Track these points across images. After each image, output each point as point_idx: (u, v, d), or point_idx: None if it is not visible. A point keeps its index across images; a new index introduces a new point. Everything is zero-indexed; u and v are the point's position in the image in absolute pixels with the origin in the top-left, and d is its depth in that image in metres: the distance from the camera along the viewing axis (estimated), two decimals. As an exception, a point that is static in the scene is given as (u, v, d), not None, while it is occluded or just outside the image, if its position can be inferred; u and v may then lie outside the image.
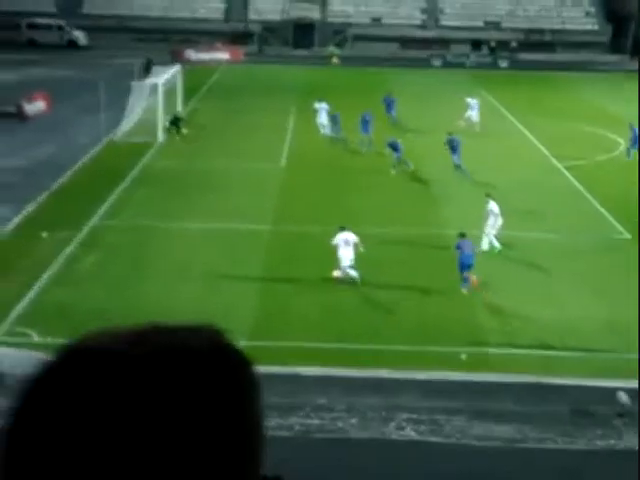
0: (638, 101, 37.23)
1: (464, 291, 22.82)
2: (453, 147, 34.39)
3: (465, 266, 22.96)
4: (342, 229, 23.65)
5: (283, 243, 26.44)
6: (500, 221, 26.03)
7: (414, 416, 17.73)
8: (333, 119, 39.57)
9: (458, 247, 23.24)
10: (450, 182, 33.07)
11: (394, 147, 34.32)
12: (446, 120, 41.73)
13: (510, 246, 26.39)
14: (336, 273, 23.26)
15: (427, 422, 17.57)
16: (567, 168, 35.54)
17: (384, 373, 19.00)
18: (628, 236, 27.13)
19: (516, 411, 17.79)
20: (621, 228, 27.91)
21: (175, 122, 40.34)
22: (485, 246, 25.69)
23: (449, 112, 44.61)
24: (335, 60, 71.23)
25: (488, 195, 26.89)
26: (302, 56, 73.49)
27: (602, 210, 29.88)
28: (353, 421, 17.51)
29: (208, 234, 26.97)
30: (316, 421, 17.44)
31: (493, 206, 26.16)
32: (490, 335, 20.75)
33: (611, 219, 28.87)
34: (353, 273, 23.15)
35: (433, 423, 17.57)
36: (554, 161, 36.84)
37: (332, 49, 72.64)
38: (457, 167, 34.07)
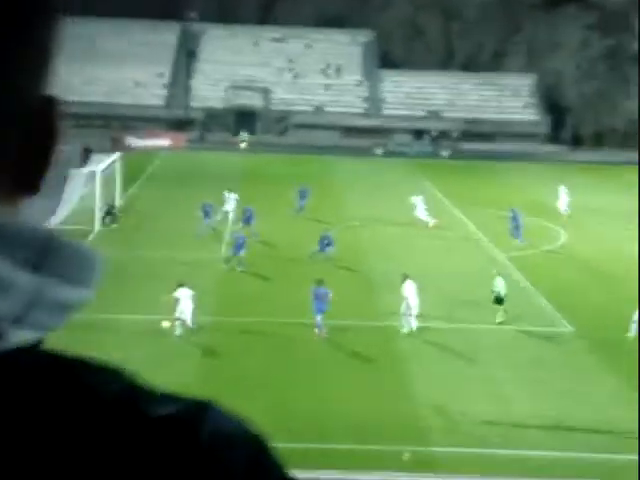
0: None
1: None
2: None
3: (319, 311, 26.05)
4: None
5: (223, 338, 25.73)
6: (416, 302, 26.36)
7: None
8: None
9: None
10: (386, 272, 32.85)
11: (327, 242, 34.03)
12: (387, 211, 41.76)
13: (448, 338, 26.10)
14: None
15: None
16: (510, 259, 35.60)
17: (324, 475, 18.24)
18: (571, 328, 27.00)
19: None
20: (564, 320, 27.79)
21: (109, 212, 40.24)
22: (405, 329, 26.24)
23: (390, 203, 44.77)
24: (243, 145, 71.68)
25: (406, 276, 27.11)
26: (247, 142, 73.78)
27: (544, 301, 29.80)
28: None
29: (144, 327, 26.14)
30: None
31: (408, 287, 26.54)
32: (433, 433, 20.18)
33: (553, 310, 28.75)
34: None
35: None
36: (496, 252, 36.92)
37: (242, 134, 73.37)
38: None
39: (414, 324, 26.41)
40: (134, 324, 26.38)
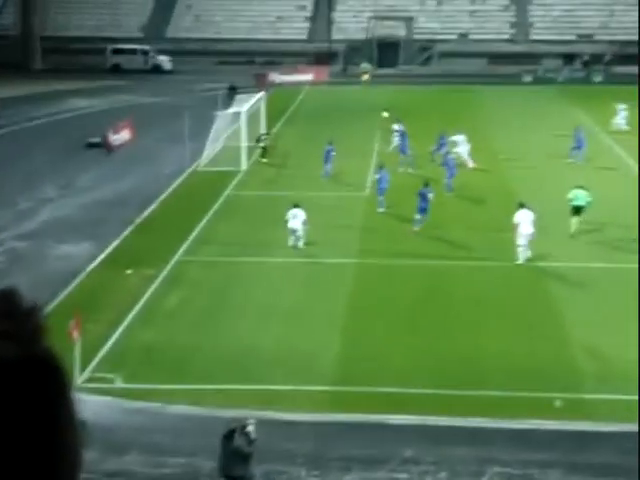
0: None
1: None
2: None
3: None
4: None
5: (370, 278, 25.74)
6: (531, 230, 26.12)
7: (507, 469, 16.80)
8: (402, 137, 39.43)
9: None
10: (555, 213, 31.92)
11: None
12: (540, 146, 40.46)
13: (605, 279, 25.24)
14: None
15: (520, 477, 16.62)
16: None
17: (475, 422, 18.10)
18: None
19: (617, 464, 16.67)
20: None
21: (261, 143, 40.59)
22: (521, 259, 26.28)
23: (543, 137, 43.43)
24: (366, 77, 69.45)
25: (522, 205, 26.80)
26: (387, 75, 72.83)
27: None
28: (442, 475, 16.66)
29: (292, 268, 26.48)
30: (403, 475, 16.64)
31: (523, 215, 26.31)
32: (586, 379, 19.64)
33: None
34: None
35: (527, 477, 16.61)
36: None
37: (364, 65, 71.21)
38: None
39: (526, 254, 26.35)
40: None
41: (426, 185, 30.09)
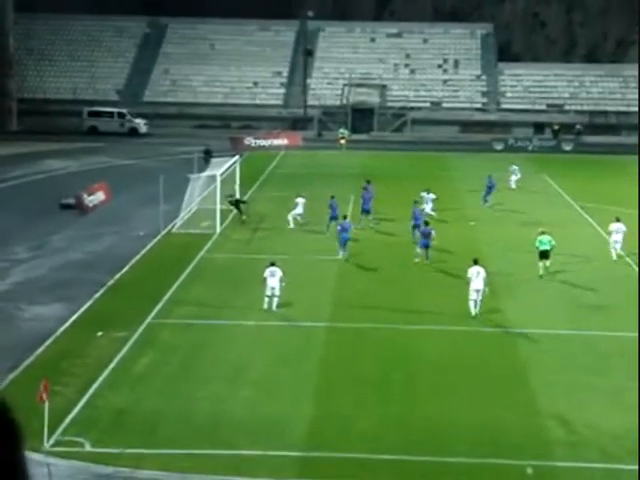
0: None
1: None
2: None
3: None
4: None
5: (341, 341, 25.78)
6: (481, 286, 27.42)
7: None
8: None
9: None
10: (514, 273, 32.26)
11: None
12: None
13: (577, 345, 25.43)
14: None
15: None
16: (634, 261, 34.45)
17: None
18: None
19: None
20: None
21: (236, 204, 40.84)
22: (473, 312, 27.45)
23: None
24: (343, 142, 70.14)
25: (476, 261, 28.06)
26: (361, 140, 73.74)
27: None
28: None
29: (263, 332, 26.48)
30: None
31: (475, 271, 27.60)
32: (557, 447, 19.65)
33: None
34: None
35: None
36: (621, 252, 35.74)
37: (342, 131, 71.98)
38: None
39: (476, 310, 27.37)
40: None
41: (426, 224, 34.41)
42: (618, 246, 34.55)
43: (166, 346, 25.36)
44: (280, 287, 27.73)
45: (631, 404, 21.07)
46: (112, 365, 23.55)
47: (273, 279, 27.70)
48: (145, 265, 33.71)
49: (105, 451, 18.96)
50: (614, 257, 34.48)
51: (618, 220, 35.08)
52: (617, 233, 34.56)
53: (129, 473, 18.33)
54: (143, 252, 35.29)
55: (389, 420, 20.58)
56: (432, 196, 41.44)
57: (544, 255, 31.75)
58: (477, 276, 27.40)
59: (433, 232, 33.74)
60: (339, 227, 34.91)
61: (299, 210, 40.29)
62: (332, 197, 39.21)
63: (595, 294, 30.30)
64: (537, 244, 32.03)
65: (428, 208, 40.56)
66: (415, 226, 36.42)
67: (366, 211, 40.32)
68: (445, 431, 20.12)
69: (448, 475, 18.36)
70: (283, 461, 18.81)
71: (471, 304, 27.48)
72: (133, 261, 33.87)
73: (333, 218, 37.91)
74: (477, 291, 27.37)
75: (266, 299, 27.82)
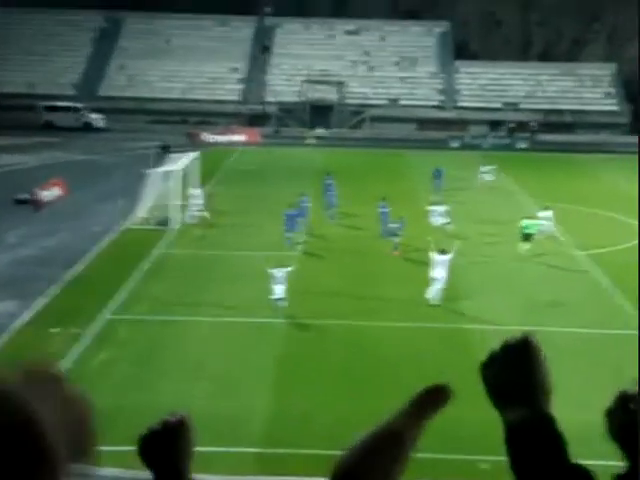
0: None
1: None
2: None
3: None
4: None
5: (301, 337, 25.82)
6: (444, 275, 28.31)
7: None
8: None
9: None
10: (473, 274, 32.52)
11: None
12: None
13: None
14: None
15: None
16: (589, 257, 34.91)
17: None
18: (653, 332, 26.23)
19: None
20: (646, 323, 27.02)
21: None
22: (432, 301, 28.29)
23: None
24: (311, 140, 70.37)
25: (443, 251, 28.93)
26: (319, 137, 73.87)
27: (626, 302, 29.08)
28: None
29: (221, 328, 26.42)
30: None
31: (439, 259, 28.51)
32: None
33: (634, 313, 27.98)
34: None
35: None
36: (575, 249, 36.22)
37: (318, 131, 72.27)
38: None
39: (437, 297, 28.26)
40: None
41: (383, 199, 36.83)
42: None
43: (123, 342, 25.21)
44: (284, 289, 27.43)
45: (584, 401, 21.38)
46: (67, 362, 23.35)
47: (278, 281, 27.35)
48: (101, 261, 33.45)
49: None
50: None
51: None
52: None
53: (84, 470, 18.16)
54: (100, 248, 35.02)
55: (348, 416, 20.64)
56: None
57: (527, 237, 34.25)
58: (440, 264, 28.21)
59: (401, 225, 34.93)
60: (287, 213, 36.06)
61: (198, 201, 39.97)
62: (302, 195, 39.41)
63: (549, 290, 30.59)
64: (522, 225, 34.53)
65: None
66: (382, 221, 37.12)
67: (332, 204, 40.71)
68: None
69: (407, 470, 18.41)
70: (241, 457, 18.81)
71: (431, 290, 28.36)
72: (89, 257, 33.59)
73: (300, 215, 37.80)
74: (439, 279, 28.15)
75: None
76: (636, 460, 2.71)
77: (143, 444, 2.04)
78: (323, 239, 37.39)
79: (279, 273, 27.31)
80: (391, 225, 35.67)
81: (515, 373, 2.33)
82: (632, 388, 2.87)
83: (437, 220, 38.59)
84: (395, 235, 34.99)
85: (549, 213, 37.10)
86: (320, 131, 73.11)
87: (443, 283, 28.43)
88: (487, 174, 50.89)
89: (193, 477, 2.20)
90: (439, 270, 28.31)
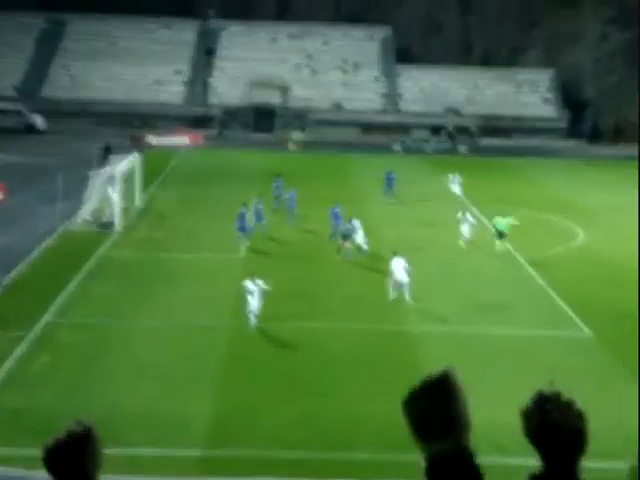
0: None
1: None
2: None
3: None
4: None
5: (244, 340, 25.88)
6: (405, 278, 28.77)
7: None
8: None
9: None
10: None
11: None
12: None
13: (467, 342, 26.12)
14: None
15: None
16: (526, 260, 35.53)
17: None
18: (589, 333, 26.88)
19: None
20: (581, 324, 27.67)
21: None
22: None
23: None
24: (292, 145, 70.94)
25: (395, 253, 29.57)
26: (262, 140, 73.98)
27: (562, 304, 29.70)
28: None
29: (164, 331, 26.37)
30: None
31: (397, 263, 28.96)
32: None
33: (571, 314, 28.65)
34: None
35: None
36: (513, 252, 36.85)
37: (296, 133, 72.69)
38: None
39: (408, 298, 28.74)
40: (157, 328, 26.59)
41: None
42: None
43: (63, 345, 25.03)
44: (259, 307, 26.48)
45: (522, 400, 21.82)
46: (7, 365, 23.16)
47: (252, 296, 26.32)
48: (42, 263, 33.14)
49: (3, 452, 18.68)
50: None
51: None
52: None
53: (23, 473, 18.08)
54: (40, 250, 34.69)
55: (293, 417, 20.79)
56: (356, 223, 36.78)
57: (501, 235, 35.90)
58: (399, 267, 28.75)
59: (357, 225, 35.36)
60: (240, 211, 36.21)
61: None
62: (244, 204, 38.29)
63: (486, 293, 31.04)
64: (494, 223, 36.28)
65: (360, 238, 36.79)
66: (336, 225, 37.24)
67: (290, 208, 41.05)
68: (350, 427, 20.44)
69: (351, 469, 18.65)
70: (184, 459, 18.85)
71: (391, 292, 29.00)
72: (30, 259, 33.26)
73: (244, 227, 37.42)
74: (401, 282, 28.71)
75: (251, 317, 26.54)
76: (551, 460, 2.87)
77: (49, 455, 1.91)
78: (273, 241, 37.51)
79: (253, 287, 26.37)
80: (343, 227, 35.80)
81: (436, 409, 2.49)
82: (549, 389, 3.03)
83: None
84: (347, 237, 34.89)
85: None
86: (297, 134, 73.05)
87: (406, 283, 28.97)
88: (454, 184, 50.22)
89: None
90: (400, 273, 28.78)
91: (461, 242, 36.91)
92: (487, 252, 36.61)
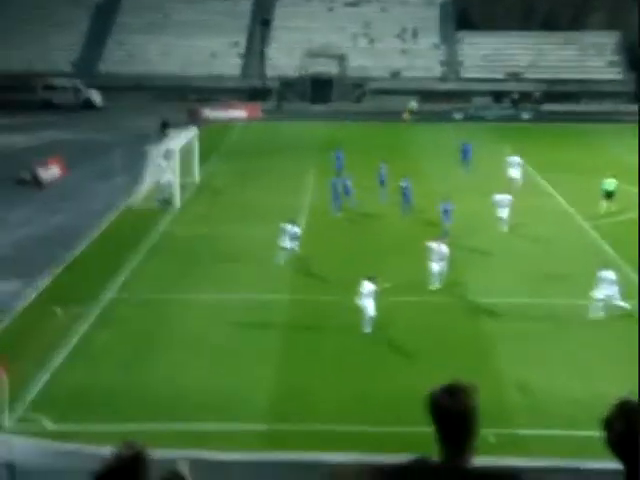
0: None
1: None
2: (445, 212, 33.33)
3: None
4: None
5: (303, 314, 25.63)
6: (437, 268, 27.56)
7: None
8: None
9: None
10: (480, 246, 32.26)
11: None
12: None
13: (536, 313, 25.51)
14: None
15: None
16: (594, 227, 34.63)
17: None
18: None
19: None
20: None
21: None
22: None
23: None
24: (407, 115, 69.95)
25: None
26: (320, 112, 73.43)
27: (632, 274, 28.83)
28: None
29: (225, 305, 26.25)
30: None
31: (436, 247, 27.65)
32: (519, 414, 19.72)
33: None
34: None
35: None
36: (579, 219, 35.96)
37: (412, 104, 71.98)
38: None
39: (438, 284, 27.40)
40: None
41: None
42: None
43: (126, 321, 25.07)
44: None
45: (589, 372, 21.31)
46: (71, 341, 23.24)
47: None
48: (103, 240, 33.24)
49: (67, 428, 18.72)
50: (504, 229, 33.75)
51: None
52: (502, 207, 33.71)
53: (93, 450, 18.08)
54: (101, 227, 34.81)
55: (351, 392, 20.52)
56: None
57: (609, 195, 36.70)
58: (438, 252, 27.29)
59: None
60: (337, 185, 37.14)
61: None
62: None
63: (555, 264, 30.33)
64: (604, 184, 36.85)
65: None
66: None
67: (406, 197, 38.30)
68: (408, 402, 20.06)
69: (416, 443, 18.27)
70: (245, 434, 18.69)
71: (433, 279, 27.46)
72: (91, 236, 33.39)
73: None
74: (438, 266, 27.33)
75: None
76: (633, 469, 2.60)
77: None
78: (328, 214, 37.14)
79: (292, 229, 29.59)
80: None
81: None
82: (632, 397, 2.71)
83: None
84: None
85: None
86: (412, 104, 72.35)
87: (443, 270, 27.61)
88: (513, 168, 42.56)
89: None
90: (438, 258, 27.40)
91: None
92: (551, 220, 35.77)
